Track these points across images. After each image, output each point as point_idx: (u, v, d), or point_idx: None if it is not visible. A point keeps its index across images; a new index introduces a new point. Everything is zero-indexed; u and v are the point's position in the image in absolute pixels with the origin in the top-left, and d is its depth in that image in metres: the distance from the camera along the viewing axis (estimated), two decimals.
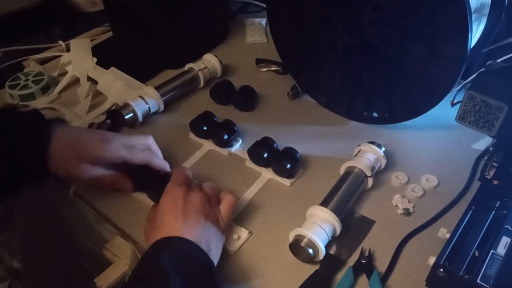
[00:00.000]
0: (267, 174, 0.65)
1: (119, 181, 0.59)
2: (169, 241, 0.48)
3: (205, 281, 0.46)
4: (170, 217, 0.50)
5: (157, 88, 0.76)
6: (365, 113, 0.73)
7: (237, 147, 0.69)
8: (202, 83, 0.82)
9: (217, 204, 0.56)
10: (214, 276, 0.47)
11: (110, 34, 0.98)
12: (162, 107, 0.76)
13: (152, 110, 0.75)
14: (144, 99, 0.73)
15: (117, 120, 0.72)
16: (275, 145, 0.65)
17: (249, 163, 0.66)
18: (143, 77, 0.83)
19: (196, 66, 0.81)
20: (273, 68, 0.86)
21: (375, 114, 0.72)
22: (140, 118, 0.73)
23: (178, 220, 0.50)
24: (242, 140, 0.70)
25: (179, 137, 0.72)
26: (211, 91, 0.79)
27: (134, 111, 0.72)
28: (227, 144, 0.68)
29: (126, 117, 0.71)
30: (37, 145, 0.52)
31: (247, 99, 0.77)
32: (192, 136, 0.71)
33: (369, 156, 0.62)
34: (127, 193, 0.61)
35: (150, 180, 0.58)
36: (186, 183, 0.55)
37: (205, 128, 0.69)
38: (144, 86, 0.80)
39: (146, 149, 0.60)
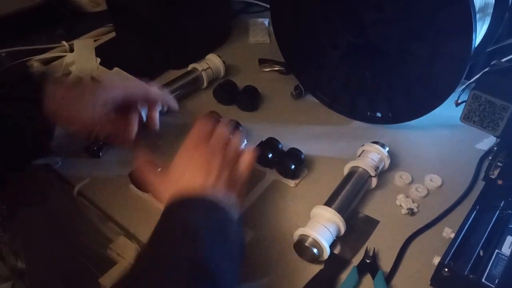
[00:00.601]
0: (271, 174, 0.65)
1: (120, 125, 0.59)
2: (193, 195, 0.46)
3: (232, 239, 0.44)
4: (191, 172, 0.49)
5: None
6: (368, 113, 0.73)
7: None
8: (205, 83, 0.82)
9: (237, 164, 0.53)
10: (241, 235, 0.47)
11: (113, 34, 0.98)
12: (165, 107, 0.76)
13: None
14: None
15: None
16: (279, 146, 0.65)
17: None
18: (146, 77, 0.83)
19: (199, 66, 0.81)
20: (276, 68, 0.86)
21: (378, 114, 0.72)
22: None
23: (199, 176, 0.48)
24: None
25: (183, 137, 0.72)
26: (214, 91, 0.79)
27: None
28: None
29: None
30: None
31: (250, 99, 0.77)
32: None
33: (373, 156, 0.62)
34: (128, 145, 0.61)
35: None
36: (206, 138, 0.53)
37: None
38: None
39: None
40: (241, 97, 0.77)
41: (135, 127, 0.60)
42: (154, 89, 0.60)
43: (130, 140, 0.60)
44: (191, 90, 0.81)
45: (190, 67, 0.82)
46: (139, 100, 0.61)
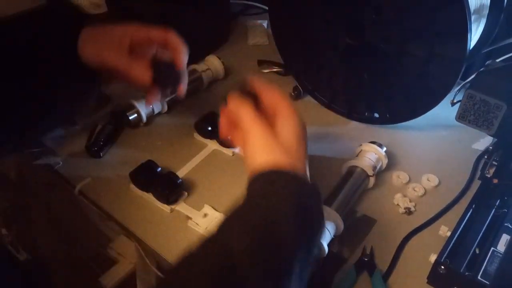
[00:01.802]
0: None
1: (137, 69, 0.58)
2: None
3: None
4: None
5: None
6: (366, 114, 0.74)
7: None
8: (205, 84, 0.82)
9: None
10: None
11: None
12: (165, 108, 0.76)
13: (156, 111, 0.75)
14: None
15: (121, 120, 0.73)
16: None
17: None
18: None
19: (199, 67, 0.82)
20: (275, 69, 0.87)
21: (376, 115, 0.73)
22: (144, 119, 0.73)
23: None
24: None
25: (183, 137, 0.73)
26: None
27: (138, 112, 0.72)
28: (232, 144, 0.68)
29: (130, 118, 0.72)
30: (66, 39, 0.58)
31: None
32: (196, 136, 0.72)
33: (370, 156, 0.62)
34: (143, 86, 0.59)
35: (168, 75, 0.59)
36: None
37: (209, 128, 0.70)
38: None
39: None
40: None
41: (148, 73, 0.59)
42: (174, 35, 0.60)
43: (144, 84, 0.59)
44: (191, 91, 0.81)
45: (190, 68, 0.83)
46: (158, 41, 0.60)
